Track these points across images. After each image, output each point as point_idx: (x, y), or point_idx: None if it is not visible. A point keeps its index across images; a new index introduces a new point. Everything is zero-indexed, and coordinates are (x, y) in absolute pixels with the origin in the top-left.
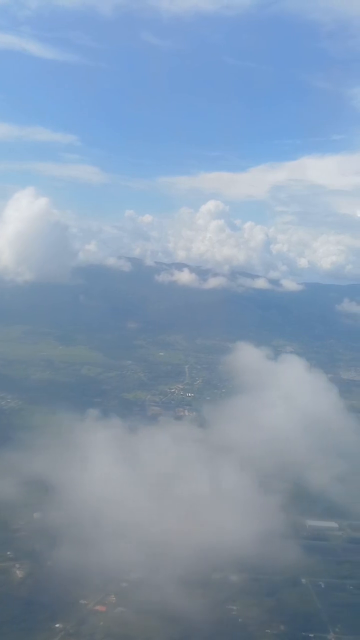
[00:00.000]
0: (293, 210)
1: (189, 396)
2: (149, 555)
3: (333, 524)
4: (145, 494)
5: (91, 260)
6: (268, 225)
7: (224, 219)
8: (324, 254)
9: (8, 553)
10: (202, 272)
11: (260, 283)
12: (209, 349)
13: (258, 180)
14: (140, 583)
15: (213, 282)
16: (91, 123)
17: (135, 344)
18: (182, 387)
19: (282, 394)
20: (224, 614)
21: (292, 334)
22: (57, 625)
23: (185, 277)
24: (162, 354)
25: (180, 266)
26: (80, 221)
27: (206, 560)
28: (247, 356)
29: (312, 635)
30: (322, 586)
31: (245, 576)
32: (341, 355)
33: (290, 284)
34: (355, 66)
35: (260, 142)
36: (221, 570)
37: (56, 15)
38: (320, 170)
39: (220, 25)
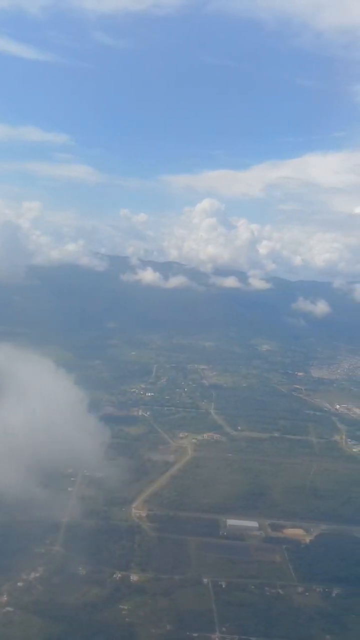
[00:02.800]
0: (294, 208)
1: (148, 396)
2: None
3: (253, 524)
4: None
5: (68, 259)
6: (270, 224)
7: (219, 217)
8: (319, 251)
9: None
10: (188, 271)
11: (232, 282)
12: (183, 348)
13: (259, 178)
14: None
15: (199, 281)
16: (86, 123)
17: (110, 343)
18: (144, 386)
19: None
20: (112, 614)
21: (272, 332)
22: None
23: (156, 275)
24: (134, 353)
25: (165, 265)
26: (78, 221)
27: None
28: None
29: (196, 634)
30: (223, 586)
31: (147, 576)
32: (318, 354)
33: (258, 283)
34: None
35: (261, 140)
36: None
37: (37, 16)
38: (322, 167)
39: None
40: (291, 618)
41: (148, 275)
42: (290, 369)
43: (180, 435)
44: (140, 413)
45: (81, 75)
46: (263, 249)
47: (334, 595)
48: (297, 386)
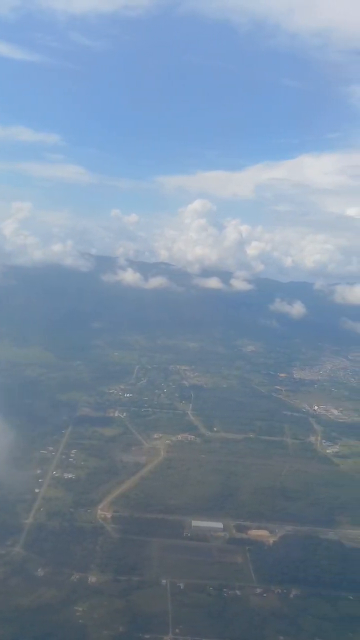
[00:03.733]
0: (287, 209)
1: (126, 397)
2: None
3: (218, 525)
4: None
5: (52, 260)
6: (264, 225)
7: (209, 218)
8: (310, 252)
9: None
10: (172, 272)
11: (214, 283)
12: (167, 349)
13: (253, 179)
14: None
15: (181, 282)
16: (78, 123)
17: (94, 344)
18: (123, 387)
19: None
20: (65, 615)
21: (257, 333)
22: None
23: (137, 276)
24: (116, 354)
25: (150, 266)
26: (71, 221)
27: None
28: None
29: (148, 636)
30: (181, 587)
31: (105, 578)
32: (302, 355)
33: (240, 284)
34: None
35: (256, 141)
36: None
37: (9, 16)
38: (316, 168)
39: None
40: (245, 619)
41: (128, 276)
42: (273, 370)
43: (155, 436)
44: (116, 414)
45: (67, 76)
46: (253, 250)
47: (291, 596)
48: (278, 387)
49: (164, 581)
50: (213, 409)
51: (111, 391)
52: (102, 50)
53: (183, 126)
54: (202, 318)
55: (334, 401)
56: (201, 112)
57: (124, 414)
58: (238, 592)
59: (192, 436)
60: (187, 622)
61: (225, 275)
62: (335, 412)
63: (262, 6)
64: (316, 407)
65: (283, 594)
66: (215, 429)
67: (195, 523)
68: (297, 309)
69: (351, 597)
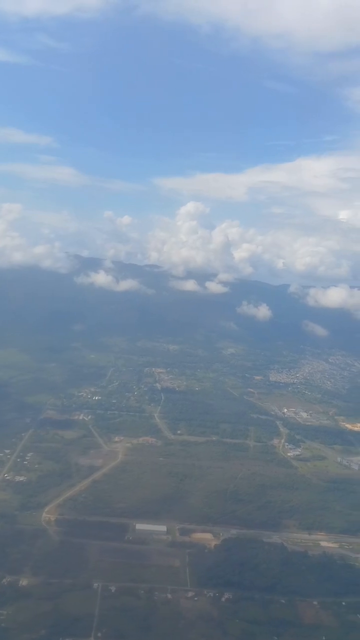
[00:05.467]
0: (283, 211)
1: (95, 399)
2: None
3: (162, 528)
4: None
5: (31, 262)
6: (260, 227)
7: (202, 220)
8: (301, 255)
9: None
10: (158, 275)
11: (190, 285)
12: (146, 352)
13: (251, 181)
14: None
15: (161, 285)
16: (70, 125)
17: (72, 346)
18: (93, 390)
19: None
20: None
21: (240, 336)
22: None
23: (109, 278)
24: (93, 356)
25: (135, 268)
26: (68, 223)
27: None
28: None
29: None
30: (113, 590)
31: (37, 580)
32: (282, 357)
33: (215, 286)
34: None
35: (253, 144)
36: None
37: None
38: (314, 171)
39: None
40: (171, 623)
41: (100, 278)
42: (249, 373)
43: (116, 439)
44: (81, 417)
45: (49, 78)
46: (244, 252)
47: (223, 600)
48: (251, 390)
49: (96, 584)
50: (181, 412)
51: (80, 394)
52: (71, 52)
53: (179, 126)
54: (185, 320)
55: (305, 404)
56: (190, 113)
57: (89, 417)
58: (169, 596)
59: (154, 439)
60: (111, 626)
61: (206, 278)
62: (304, 415)
63: (219, 9)
64: (285, 410)
65: (215, 598)
66: (179, 432)
67: (140, 526)
68: (262, 311)
69: (283, 601)
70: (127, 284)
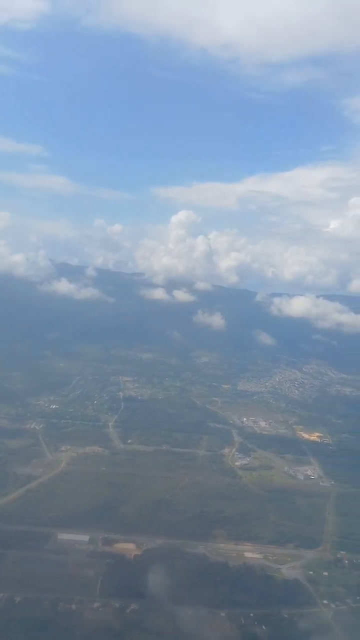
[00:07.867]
0: (271, 220)
1: (51, 408)
2: None
3: (84, 538)
4: None
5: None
6: (254, 235)
7: (192, 229)
8: (290, 264)
9: None
10: (139, 283)
11: (159, 293)
12: (119, 360)
13: (246, 191)
14: None
15: (155, 293)
16: (62, 135)
17: (42, 354)
18: (53, 398)
19: None
20: None
21: (216, 344)
22: None
23: (71, 286)
24: (62, 364)
25: (114, 275)
26: (62, 231)
27: None
28: None
29: None
30: (16, 601)
31: None
32: (256, 366)
33: (182, 295)
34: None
35: (250, 154)
36: None
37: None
38: (310, 181)
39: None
40: (66, 634)
41: (62, 286)
42: (218, 381)
43: (62, 448)
44: (32, 426)
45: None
46: (232, 261)
47: (128, 610)
48: (216, 399)
49: (0, 595)
50: (137, 421)
51: (38, 402)
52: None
53: (177, 138)
54: (161, 329)
55: (267, 413)
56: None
57: (41, 426)
58: (73, 607)
59: (101, 449)
60: (5, 637)
61: (186, 286)
62: (263, 424)
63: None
64: (244, 419)
65: (120, 608)
66: (129, 441)
67: (62, 536)
68: (216, 320)
69: (190, 612)
70: (106, 292)
